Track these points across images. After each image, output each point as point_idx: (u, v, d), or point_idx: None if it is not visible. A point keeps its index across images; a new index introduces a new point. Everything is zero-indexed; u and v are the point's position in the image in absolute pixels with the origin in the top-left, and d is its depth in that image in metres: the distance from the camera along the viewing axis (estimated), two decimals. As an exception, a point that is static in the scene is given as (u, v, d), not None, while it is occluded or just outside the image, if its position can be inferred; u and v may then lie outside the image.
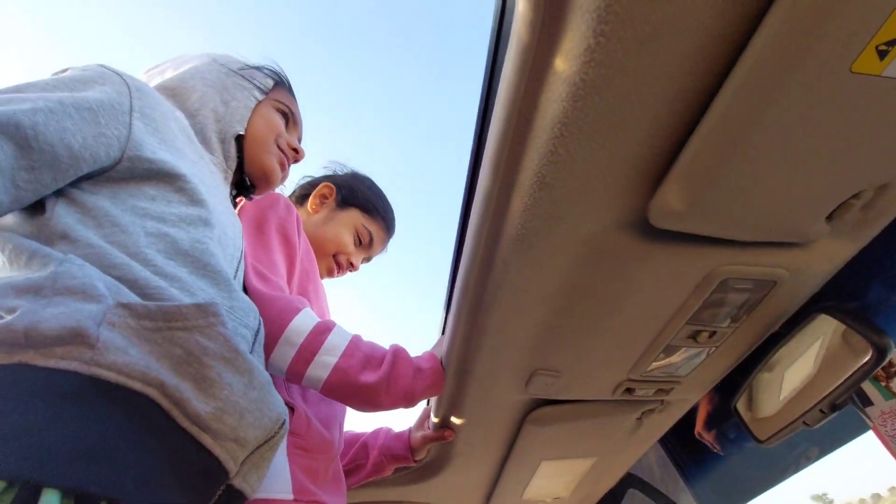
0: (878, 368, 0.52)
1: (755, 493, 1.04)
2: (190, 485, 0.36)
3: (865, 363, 0.51)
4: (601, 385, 0.72)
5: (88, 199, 0.42)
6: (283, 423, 0.44)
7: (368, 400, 0.62)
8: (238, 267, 0.55)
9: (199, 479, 0.37)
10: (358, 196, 0.94)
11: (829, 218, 0.47)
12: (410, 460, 0.86)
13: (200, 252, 0.45)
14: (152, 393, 0.34)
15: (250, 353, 0.45)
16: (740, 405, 0.77)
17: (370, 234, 0.94)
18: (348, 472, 0.84)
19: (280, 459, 0.54)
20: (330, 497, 0.57)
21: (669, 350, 0.65)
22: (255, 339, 0.48)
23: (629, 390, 0.72)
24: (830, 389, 0.58)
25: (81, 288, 0.34)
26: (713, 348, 0.64)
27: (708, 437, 1.02)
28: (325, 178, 0.99)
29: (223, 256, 0.49)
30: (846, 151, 0.39)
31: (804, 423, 0.63)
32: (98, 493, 0.30)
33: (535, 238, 0.48)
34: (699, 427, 1.02)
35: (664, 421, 0.88)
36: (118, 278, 0.38)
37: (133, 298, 0.37)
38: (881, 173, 0.42)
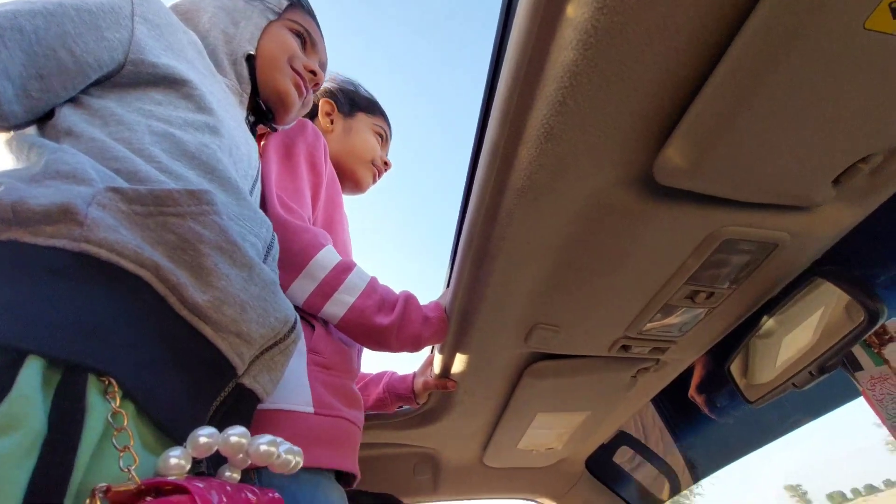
0: (870, 333, 0.53)
1: (742, 453, 1.08)
2: (193, 377, 0.35)
3: (857, 327, 0.53)
4: (598, 341, 0.74)
5: (95, 102, 0.42)
6: (293, 328, 0.43)
7: (379, 340, 0.65)
8: (254, 187, 0.54)
9: (204, 372, 0.36)
10: (357, 100, 0.97)
11: (836, 182, 0.47)
12: (413, 401, 0.91)
13: (207, 156, 0.44)
14: (146, 275, 0.33)
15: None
16: (734, 368, 0.79)
17: (383, 130, 0.98)
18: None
19: (300, 374, 0.56)
20: (351, 413, 0.59)
21: (667, 310, 0.66)
22: (267, 253, 0.48)
23: (625, 347, 0.75)
24: (821, 352, 0.59)
25: (72, 172, 0.33)
26: (710, 309, 0.66)
27: (699, 400, 1.05)
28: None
29: (234, 168, 0.48)
30: (857, 112, 0.39)
31: (793, 384, 0.66)
32: (88, 366, 0.28)
33: (540, 191, 0.49)
34: (692, 390, 1.06)
35: (658, 380, 0.91)
36: (118, 171, 0.37)
37: (125, 185, 0.35)
38: (893, 137, 0.42)
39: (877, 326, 0.52)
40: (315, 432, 0.52)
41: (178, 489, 0.27)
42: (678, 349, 0.77)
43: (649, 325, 0.70)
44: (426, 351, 0.88)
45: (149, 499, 0.26)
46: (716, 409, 1.09)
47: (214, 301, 0.36)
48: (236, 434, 0.30)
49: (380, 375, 0.94)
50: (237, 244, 0.38)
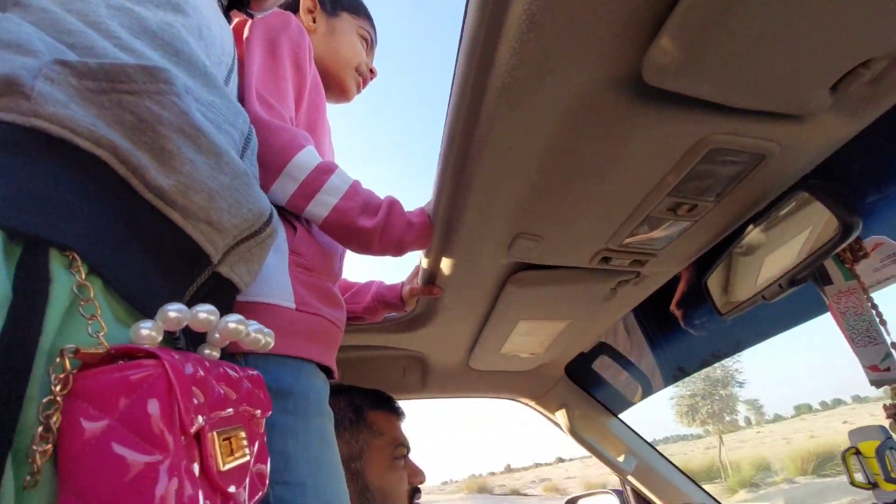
0: (843, 246, 0.53)
1: (713, 361, 1.15)
2: (165, 260, 0.35)
3: (831, 240, 0.53)
4: (580, 252, 0.75)
5: None
6: (269, 221, 0.42)
7: (362, 243, 0.66)
8: (230, 76, 0.51)
9: (176, 259, 0.36)
10: None
11: (834, 88, 0.44)
12: (401, 308, 0.95)
13: (171, 36, 0.40)
14: (104, 155, 0.31)
15: (240, 159, 0.42)
16: (711, 282, 0.81)
17: (368, 34, 0.92)
18: (342, 313, 0.94)
19: (281, 273, 0.57)
20: (332, 313, 0.62)
21: (649, 222, 0.66)
22: (245, 146, 0.46)
23: (606, 259, 0.76)
24: (793, 265, 0.61)
25: (15, 42, 0.31)
26: (693, 223, 0.66)
27: (678, 314, 1.10)
28: None
29: (205, 53, 0.45)
30: (861, 9, 0.36)
31: (763, 296, 0.68)
32: (48, 238, 0.27)
33: (522, 90, 0.47)
34: (674, 304, 1.10)
35: (638, 293, 0.94)
36: (73, 46, 0.34)
37: (75, 58, 0.32)
38: None
39: (850, 240, 0.52)
40: (296, 325, 0.54)
41: (150, 355, 0.29)
42: (658, 262, 0.78)
43: (630, 238, 0.70)
44: (412, 260, 0.90)
45: (121, 362, 0.28)
46: (693, 324, 1.14)
47: (180, 186, 0.34)
48: (205, 311, 0.32)
49: (368, 284, 0.97)
50: (201, 129, 0.36)
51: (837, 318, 0.63)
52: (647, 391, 1.38)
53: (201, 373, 0.32)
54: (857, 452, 0.77)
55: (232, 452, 0.32)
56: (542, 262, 0.79)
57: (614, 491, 1.46)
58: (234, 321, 0.33)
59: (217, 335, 0.34)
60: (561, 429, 1.39)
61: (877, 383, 0.59)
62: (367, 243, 0.65)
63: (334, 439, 0.54)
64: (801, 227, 0.59)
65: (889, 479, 0.70)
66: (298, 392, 0.49)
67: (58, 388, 0.25)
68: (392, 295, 0.94)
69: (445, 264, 0.81)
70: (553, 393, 1.39)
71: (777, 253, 0.65)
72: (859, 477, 0.76)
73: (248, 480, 0.34)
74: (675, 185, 0.58)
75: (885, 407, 0.59)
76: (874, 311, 0.60)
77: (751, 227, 0.66)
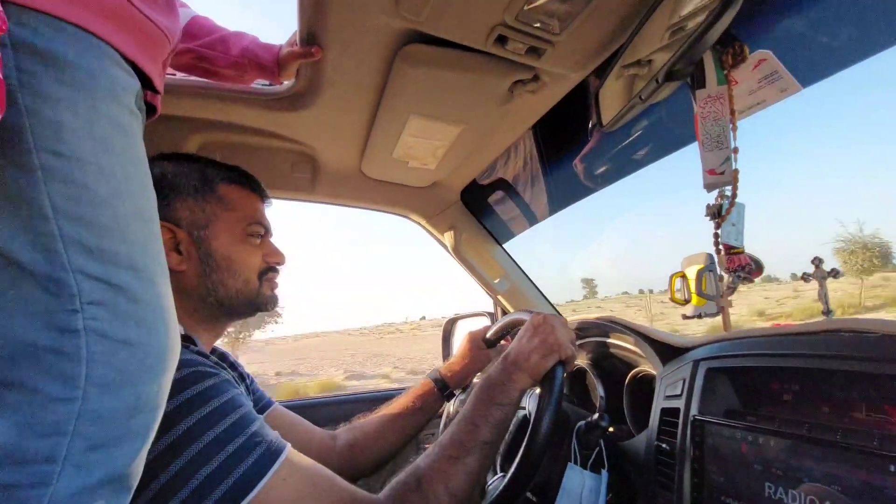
0: (718, 24, 0.51)
1: (594, 190, 1.22)
2: None
3: (704, 19, 0.50)
4: (474, 23, 0.67)
5: None
6: None
7: None
8: None
9: None
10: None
11: None
12: (276, 75, 0.83)
13: None
14: None
15: None
16: (602, 92, 0.79)
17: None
18: (199, 58, 0.80)
19: None
20: (146, 8, 0.49)
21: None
22: None
23: (502, 38, 0.69)
24: (671, 55, 0.58)
25: None
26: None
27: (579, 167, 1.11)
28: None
29: None
30: None
31: (640, 97, 0.66)
32: None
33: None
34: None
35: (536, 103, 0.90)
36: None
37: None
38: None
39: (728, 17, 0.49)
40: None
41: None
42: (556, 56, 0.73)
43: (528, 8, 0.63)
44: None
45: None
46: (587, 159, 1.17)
47: None
48: None
49: (239, 35, 0.82)
50: None
51: (697, 123, 0.64)
52: (533, 223, 1.47)
53: None
54: (683, 276, 0.88)
55: None
56: (435, 31, 0.70)
57: (487, 313, 1.64)
58: None
59: None
60: (446, 249, 1.46)
61: (710, 187, 0.63)
62: None
63: (141, 144, 0.47)
64: (691, 11, 0.56)
65: (700, 294, 0.81)
66: (81, 66, 0.40)
67: None
68: (267, 55, 0.82)
69: (325, 20, 0.70)
70: (445, 215, 1.42)
71: (660, 49, 0.62)
72: (678, 294, 0.88)
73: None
74: None
75: (707, 207, 0.64)
76: (731, 118, 0.61)
77: (650, 14, 0.61)
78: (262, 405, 0.89)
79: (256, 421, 0.57)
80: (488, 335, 1.02)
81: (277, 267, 0.81)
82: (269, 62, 0.82)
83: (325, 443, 0.92)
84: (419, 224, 1.46)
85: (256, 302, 0.76)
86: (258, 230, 0.77)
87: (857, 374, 0.50)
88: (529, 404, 0.83)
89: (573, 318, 1.10)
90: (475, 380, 1.08)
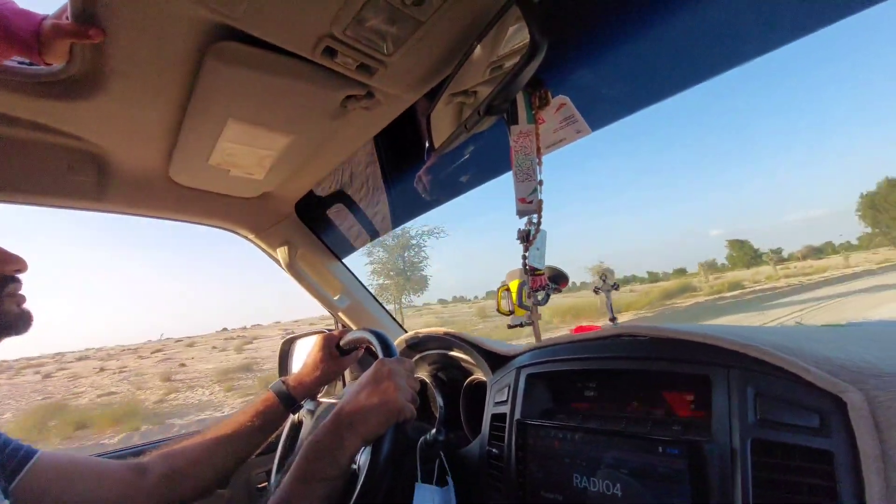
0: (528, 68, 0.56)
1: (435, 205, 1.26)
2: None
3: (521, 60, 0.55)
4: (301, 31, 0.63)
5: None
6: None
7: None
8: None
9: None
10: None
11: None
12: (36, 53, 0.65)
13: None
14: None
15: None
16: (434, 116, 0.81)
17: None
18: None
19: None
20: None
21: (374, 8, 0.58)
22: None
23: (330, 51, 0.66)
24: (491, 92, 0.63)
25: None
26: (417, 23, 0.61)
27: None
28: None
29: None
30: None
31: (465, 126, 0.71)
32: None
33: None
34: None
35: (371, 121, 0.89)
36: None
37: None
38: None
39: (536, 62, 0.55)
40: None
41: None
42: (389, 76, 0.73)
43: (357, 27, 0.62)
44: None
45: None
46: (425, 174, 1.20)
47: None
48: None
49: None
50: None
51: (512, 155, 0.70)
52: (374, 237, 1.45)
53: None
54: (508, 289, 0.97)
55: None
56: (254, 31, 0.63)
57: (327, 330, 1.56)
58: None
59: None
60: (279, 264, 1.35)
61: (521, 213, 0.70)
62: None
63: None
64: (507, 52, 0.61)
65: (521, 306, 0.90)
66: None
67: None
68: (25, 24, 0.63)
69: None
70: (278, 228, 1.31)
71: (483, 83, 0.68)
72: (504, 304, 0.96)
73: None
74: None
75: (518, 231, 0.72)
76: (537, 154, 0.69)
77: (474, 47, 0.65)
78: (20, 457, 0.66)
79: None
80: (342, 342, 0.95)
81: (17, 276, 0.64)
82: (26, 34, 0.63)
83: (126, 479, 0.72)
84: (248, 239, 1.31)
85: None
86: None
87: (633, 372, 0.60)
88: (360, 459, 0.73)
89: (423, 331, 1.10)
90: (321, 398, 1.00)
